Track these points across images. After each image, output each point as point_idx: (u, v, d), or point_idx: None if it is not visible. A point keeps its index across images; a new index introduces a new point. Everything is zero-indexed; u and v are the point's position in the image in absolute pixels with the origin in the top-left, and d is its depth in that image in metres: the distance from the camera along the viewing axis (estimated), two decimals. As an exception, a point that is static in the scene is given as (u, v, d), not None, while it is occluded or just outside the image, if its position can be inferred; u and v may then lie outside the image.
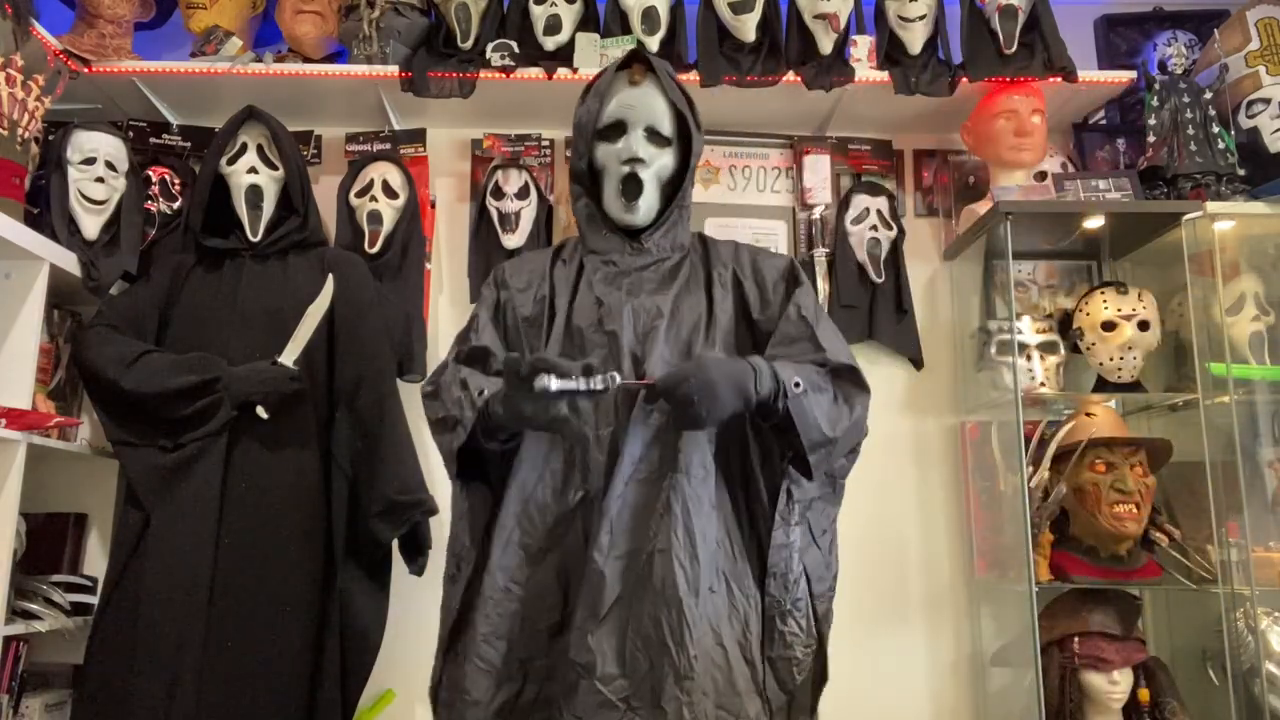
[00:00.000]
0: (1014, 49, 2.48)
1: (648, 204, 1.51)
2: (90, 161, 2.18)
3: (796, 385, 1.31)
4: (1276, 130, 2.41)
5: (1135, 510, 2.14)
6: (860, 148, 2.70)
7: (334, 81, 2.45)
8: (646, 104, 1.51)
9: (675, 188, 1.55)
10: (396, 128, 2.62)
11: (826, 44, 2.46)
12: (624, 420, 1.38)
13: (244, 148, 2.16)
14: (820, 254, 2.56)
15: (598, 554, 1.31)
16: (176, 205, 2.41)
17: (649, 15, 2.45)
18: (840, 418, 1.36)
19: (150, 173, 2.40)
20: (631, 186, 1.49)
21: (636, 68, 1.54)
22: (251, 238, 2.14)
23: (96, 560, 2.32)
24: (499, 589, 1.36)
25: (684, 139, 1.55)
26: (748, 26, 2.46)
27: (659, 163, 1.52)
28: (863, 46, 2.51)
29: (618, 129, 1.52)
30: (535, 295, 1.54)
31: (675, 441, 1.35)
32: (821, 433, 1.33)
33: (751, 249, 1.60)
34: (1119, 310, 2.32)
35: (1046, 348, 2.39)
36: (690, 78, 2.43)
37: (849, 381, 1.41)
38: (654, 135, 1.52)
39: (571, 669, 1.28)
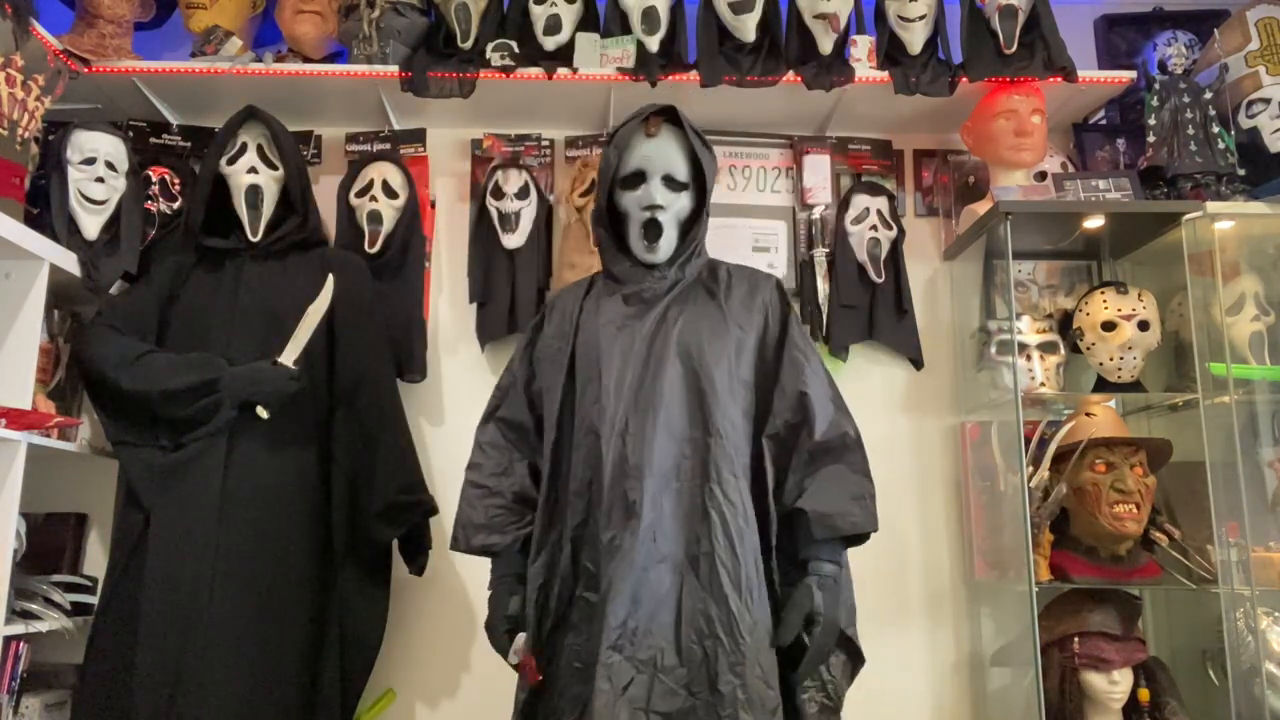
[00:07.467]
0: (1014, 49, 2.47)
1: (667, 243, 1.75)
2: (90, 161, 2.18)
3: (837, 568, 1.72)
4: (1276, 130, 2.41)
5: (1135, 510, 2.14)
6: (860, 148, 2.70)
7: (334, 81, 2.45)
8: (663, 154, 1.72)
9: (692, 224, 1.78)
10: (396, 128, 2.61)
11: (826, 44, 2.46)
12: (648, 431, 1.61)
13: (244, 148, 2.16)
14: (820, 254, 2.56)
15: (644, 560, 1.54)
16: (176, 205, 2.40)
17: (649, 15, 2.44)
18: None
19: (150, 173, 2.40)
20: (653, 230, 1.72)
21: (652, 120, 1.73)
22: (251, 238, 2.14)
23: (96, 560, 2.32)
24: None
25: (700, 180, 1.77)
26: (748, 26, 2.46)
27: (677, 206, 1.75)
28: (863, 46, 2.50)
29: (638, 178, 1.73)
30: (560, 334, 1.78)
31: (704, 452, 1.60)
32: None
33: (743, 271, 1.84)
34: (1119, 310, 2.32)
35: (1046, 348, 2.39)
36: (690, 78, 2.43)
37: (861, 472, 1.70)
38: (671, 182, 1.73)
39: (633, 664, 1.51)
